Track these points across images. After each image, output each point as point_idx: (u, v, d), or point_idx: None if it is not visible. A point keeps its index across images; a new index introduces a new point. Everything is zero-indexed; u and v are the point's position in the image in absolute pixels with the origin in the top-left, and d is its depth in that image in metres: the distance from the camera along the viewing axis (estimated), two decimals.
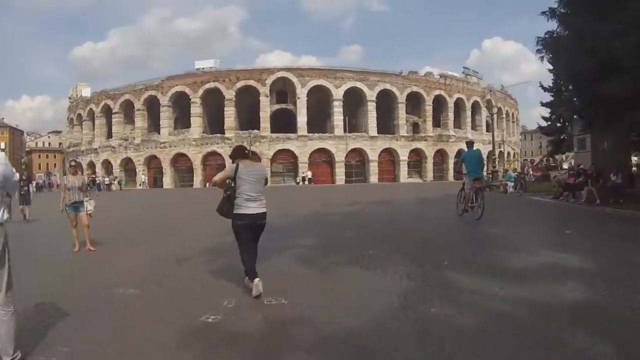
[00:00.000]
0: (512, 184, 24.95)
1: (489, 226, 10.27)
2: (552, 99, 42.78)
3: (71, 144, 69.81)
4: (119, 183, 53.20)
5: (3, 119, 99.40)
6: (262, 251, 5.60)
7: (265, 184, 5.29)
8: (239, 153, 5.27)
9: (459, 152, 53.51)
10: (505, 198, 21.81)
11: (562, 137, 42.77)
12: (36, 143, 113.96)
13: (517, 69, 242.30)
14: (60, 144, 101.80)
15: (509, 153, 67.75)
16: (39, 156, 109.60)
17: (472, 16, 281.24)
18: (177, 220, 15.10)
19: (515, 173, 28.87)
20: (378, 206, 17.80)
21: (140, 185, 55.31)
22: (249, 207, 5.02)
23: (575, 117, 23.24)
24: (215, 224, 7.76)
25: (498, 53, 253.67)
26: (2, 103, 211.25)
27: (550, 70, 43.66)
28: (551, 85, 42.85)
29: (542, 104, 43.69)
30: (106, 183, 50.97)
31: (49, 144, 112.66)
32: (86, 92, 66.19)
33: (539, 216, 14.12)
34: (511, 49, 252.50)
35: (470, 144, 13.37)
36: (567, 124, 41.87)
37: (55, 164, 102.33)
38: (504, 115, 68.36)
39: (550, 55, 17.52)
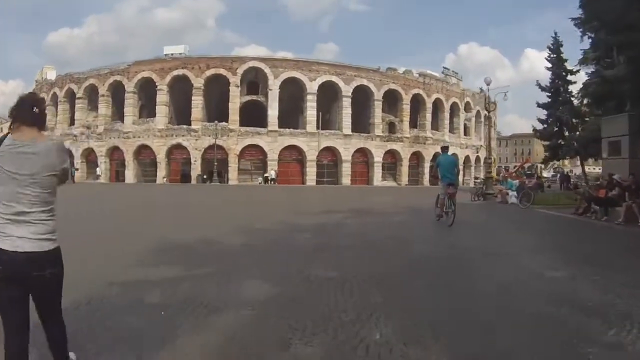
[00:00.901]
0: (514, 193, 21.21)
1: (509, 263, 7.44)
2: (548, 100, 40.09)
3: None
4: (72, 175, 48.87)
5: None
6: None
7: (62, 179, 2.56)
8: (22, 112, 2.49)
9: (435, 156, 50.56)
10: (509, 211, 18.24)
11: (559, 141, 39.99)
12: (1, 129, 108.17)
13: (492, 74, 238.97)
14: None
15: (486, 158, 64.97)
16: None
17: (448, 20, 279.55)
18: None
19: (517, 180, 25.39)
20: (359, 217, 14.36)
21: (96, 178, 51.02)
22: (8, 237, 2.31)
23: (603, 118, 19.59)
24: None
25: (473, 58, 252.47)
26: None
27: (548, 69, 41.29)
28: (549, 84, 40.11)
29: (539, 105, 40.79)
30: None
31: None
32: (52, 75, 61.44)
33: (577, 246, 9.61)
34: (487, 55, 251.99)
35: (445, 148, 13.35)
36: (564, 128, 39.15)
37: None
38: (482, 119, 65.46)
39: None
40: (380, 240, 9.40)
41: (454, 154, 46.47)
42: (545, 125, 41.33)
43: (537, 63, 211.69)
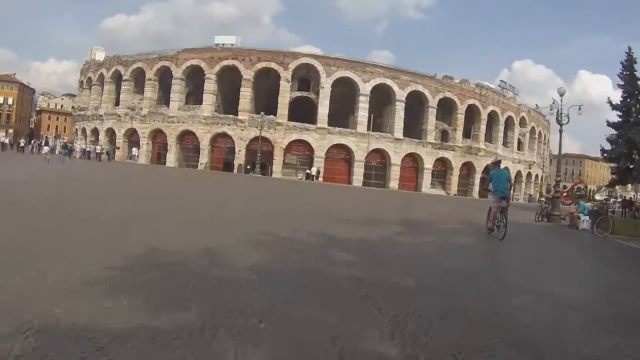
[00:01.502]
0: (587, 217, 17.34)
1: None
2: (619, 119, 36.47)
3: (78, 108, 64.00)
4: (107, 154, 47.80)
5: (15, 74, 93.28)
6: None
7: None
8: None
9: (487, 168, 47.42)
10: (582, 239, 14.68)
11: (628, 164, 36.15)
12: (48, 104, 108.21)
13: (544, 93, 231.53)
14: (73, 107, 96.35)
15: (537, 175, 61.41)
16: (49, 117, 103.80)
17: (505, 35, 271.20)
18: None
19: (590, 203, 21.69)
20: (414, 234, 10.91)
21: (130, 158, 49.73)
22: None
23: None
24: None
25: (527, 76, 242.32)
26: (28, 63, 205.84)
27: (620, 86, 37.77)
28: (620, 102, 36.52)
29: (609, 124, 37.12)
30: (97, 152, 45.74)
31: (62, 106, 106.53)
32: (100, 55, 60.18)
33: None
34: (541, 74, 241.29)
35: (497, 162, 13.36)
36: (634, 152, 35.33)
37: (65, 127, 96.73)
38: (536, 136, 61.92)
39: None
40: (451, 277, 6.17)
41: (506, 168, 43.60)
42: (614, 146, 37.67)
43: (591, 84, 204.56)
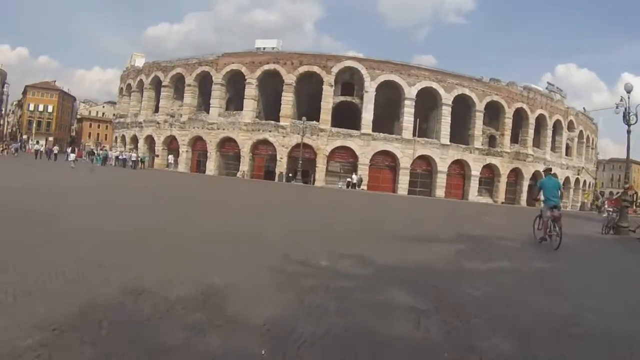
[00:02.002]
0: None
1: None
2: None
3: (117, 115, 63.54)
4: (142, 161, 46.61)
5: (55, 81, 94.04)
6: None
7: None
8: None
9: (535, 175, 44.57)
10: None
11: None
12: (89, 112, 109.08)
13: (587, 97, 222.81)
14: (113, 114, 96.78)
15: (585, 182, 57.95)
16: (90, 125, 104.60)
17: (547, 39, 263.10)
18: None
19: None
20: (479, 256, 8.51)
21: (167, 166, 48.60)
22: None
23: None
24: None
25: (570, 79, 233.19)
26: (72, 72, 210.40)
27: None
28: None
29: None
30: (132, 159, 44.52)
31: (103, 113, 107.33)
32: (140, 62, 59.68)
33: None
34: (584, 77, 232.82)
35: (548, 170, 12.81)
36: None
37: (106, 135, 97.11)
38: (584, 140, 58.42)
39: None
40: (569, 338, 3.99)
41: (554, 174, 40.95)
42: None
43: (635, 87, 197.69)
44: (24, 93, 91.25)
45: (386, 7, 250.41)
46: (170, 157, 49.04)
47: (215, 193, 23.15)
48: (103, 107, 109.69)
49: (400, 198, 36.73)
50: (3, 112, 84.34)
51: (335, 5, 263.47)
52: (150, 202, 15.22)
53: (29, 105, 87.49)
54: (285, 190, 31.83)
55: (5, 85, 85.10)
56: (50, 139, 79.95)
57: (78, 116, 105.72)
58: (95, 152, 49.73)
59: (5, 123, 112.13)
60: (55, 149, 51.27)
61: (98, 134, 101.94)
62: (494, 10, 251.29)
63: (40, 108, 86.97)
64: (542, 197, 11.06)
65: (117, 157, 47.51)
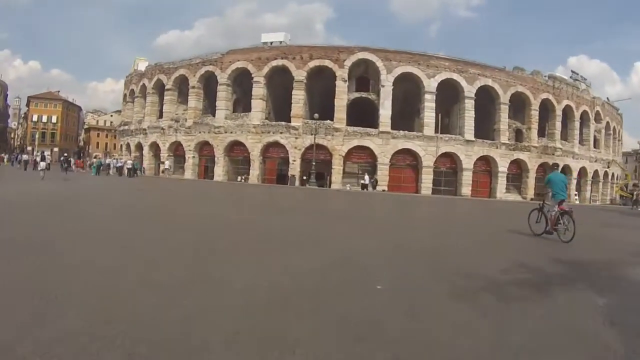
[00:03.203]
0: None
1: None
2: None
3: (122, 123, 59.28)
4: (135, 168, 42.49)
5: (59, 91, 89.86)
6: None
7: None
8: None
9: (564, 170, 40.04)
10: None
11: None
12: (97, 121, 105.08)
13: (600, 88, 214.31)
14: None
15: (613, 175, 53.08)
16: (98, 134, 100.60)
17: (558, 31, 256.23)
18: None
19: None
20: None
21: (162, 172, 44.33)
22: None
23: None
24: None
25: (582, 71, 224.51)
26: (86, 84, 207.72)
27: None
28: None
29: None
30: (127, 167, 40.25)
31: (111, 122, 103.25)
32: (143, 66, 55.39)
33: None
34: (597, 68, 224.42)
35: (555, 165, 13.83)
36: None
37: (115, 144, 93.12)
38: (611, 132, 53.53)
39: None
40: None
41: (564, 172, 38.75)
42: None
43: None
44: (28, 104, 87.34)
45: (396, 5, 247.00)
46: (167, 163, 44.54)
47: (196, 207, 18.42)
48: (111, 116, 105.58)
49: (424, 199, 32.02)
50: (9, 124, 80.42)
51: (345, 6, 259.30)
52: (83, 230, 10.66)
53: (32, 116, 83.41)
54: (296, 194, 27.16)
55: (16, 99, 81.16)
56: (55, 149, 75.88)
57: (85, 126, 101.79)
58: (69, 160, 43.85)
59: (16, 136, 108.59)
60: (48, 158, 46.20)
61: (106, 143, 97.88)
62: (501, 5, 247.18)
63: (44, 119, 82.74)
64: (550, 191, 10.79)
65: (112, 165, 44.23)
